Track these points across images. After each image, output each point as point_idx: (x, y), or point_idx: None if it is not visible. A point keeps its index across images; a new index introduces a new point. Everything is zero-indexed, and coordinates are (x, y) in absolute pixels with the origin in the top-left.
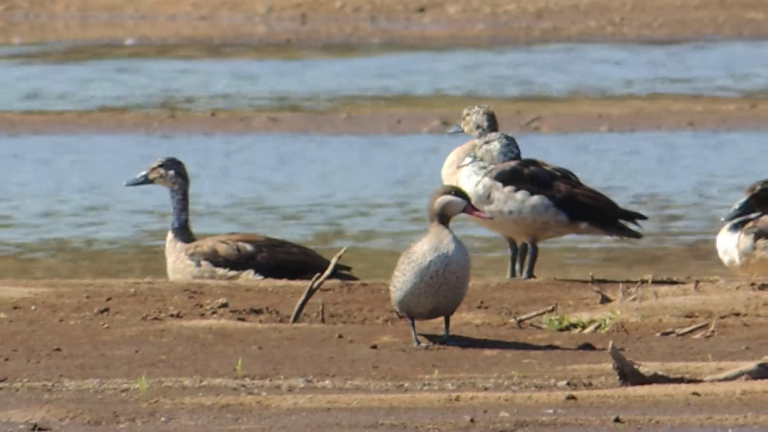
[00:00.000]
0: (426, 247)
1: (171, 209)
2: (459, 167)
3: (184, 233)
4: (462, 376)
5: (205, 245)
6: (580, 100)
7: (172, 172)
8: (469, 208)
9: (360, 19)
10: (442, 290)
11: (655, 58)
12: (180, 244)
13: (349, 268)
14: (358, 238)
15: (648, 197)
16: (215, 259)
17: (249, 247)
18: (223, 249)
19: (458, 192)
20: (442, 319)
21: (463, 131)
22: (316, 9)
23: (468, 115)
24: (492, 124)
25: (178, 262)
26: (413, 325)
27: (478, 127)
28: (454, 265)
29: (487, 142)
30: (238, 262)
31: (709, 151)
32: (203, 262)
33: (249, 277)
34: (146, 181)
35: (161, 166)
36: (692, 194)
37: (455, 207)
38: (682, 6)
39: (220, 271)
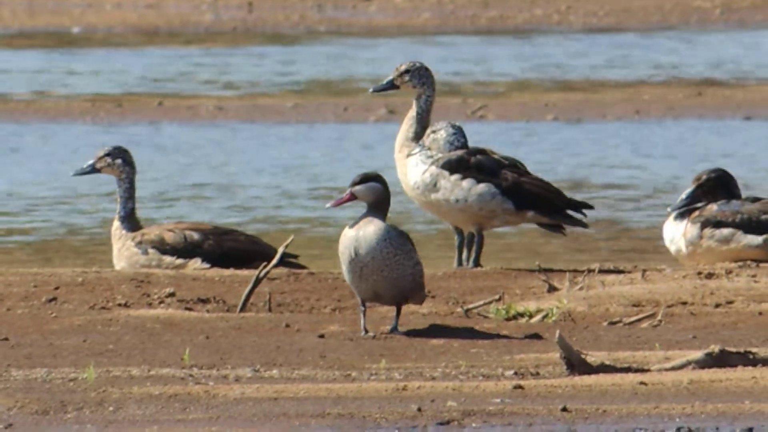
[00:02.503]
0: (343, 235)
1: (117, 196)
2: (408, 156)
3: (131, 221)
4: (409, 365)
5: (152, 233)
6: (526, 88)
7: (119, 161)
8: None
9: (306, 8)
10: (365, 274)
11: (601, 45)
12: (126, 232)
13: (296, 257)
14: (305, 226)
15: (594, 186)
16: (162, 247)
17: (196, 236)
18: (170, 237)
19: (361, 180)
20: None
21: (398, 88)
22: None
23: (408, 71)
24: (430, 78)
25: (124, 250)
26: (364, 313)
27: (422, 81)
28: (366, 247)
29: (434, 131)
30: (185, 250)
31: (654, 139)
32: (150, 250)
33: (196, 265)
34: (93, 170)
35: (108, 155)
36: (639, 182)
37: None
38: None
39: (167, 259)
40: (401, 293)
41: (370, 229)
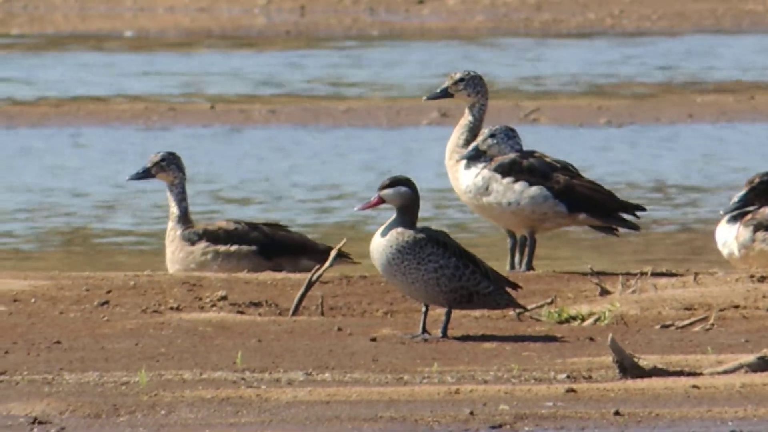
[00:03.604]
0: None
1: (170, 201)
2: (459, 160)
3: (185, 222)
4: (461, 368)
5: (203, 224)
6: (579, 91)
7: (173, 167)
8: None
9: (359, 11)
10: (386, 277)
11: (654, 49)
12: (179, 232)
13: (348, 255)
14: (358, 229)
15: (647, 188)
16: (215, 236)
17: (248, 226)
18: (223, 225)
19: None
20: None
21: (452, 96)
22: (315, 1)
23: (462, 80)
24: (484, 87)
25: (178, 252)
26: (425, 313)
27: (476, 91)
28: (375, 255)
29: (492, 135)
30: (238, 236)
31: (707, 142)
32: (204, 241)
33: (247, 250)
34: (148, 175)
35: (163, 160)
36: (691, 185)
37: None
38: None
39: (222, 248)
40: (430, 297)
41: (379, 238)
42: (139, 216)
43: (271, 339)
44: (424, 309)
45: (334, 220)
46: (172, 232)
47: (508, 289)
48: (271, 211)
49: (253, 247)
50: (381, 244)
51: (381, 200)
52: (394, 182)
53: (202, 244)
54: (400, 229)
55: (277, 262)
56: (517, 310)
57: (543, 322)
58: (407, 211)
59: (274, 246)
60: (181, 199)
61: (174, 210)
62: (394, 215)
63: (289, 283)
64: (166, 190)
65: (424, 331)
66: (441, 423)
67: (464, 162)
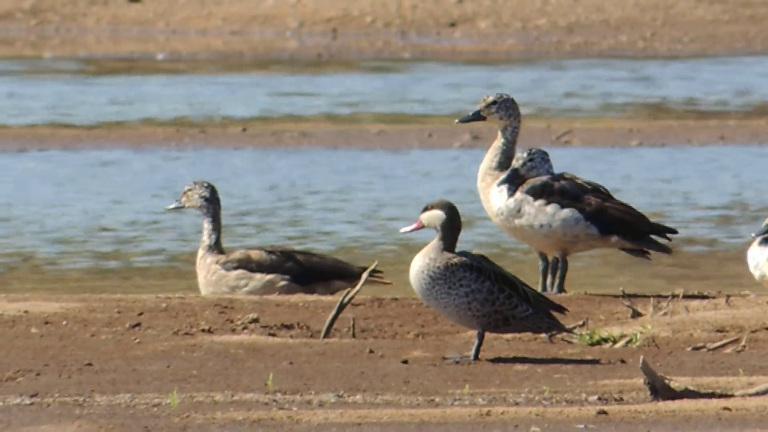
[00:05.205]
0: None
1: (203, 228)
2: (500, 185)
3: (216, 249)
4: (493, 391)
5: (238, 253)
6: (611, 114)
7: (203, 198)
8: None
9: (390, 34)
10: (424, 301)
11: (685, 71)
12: (211, 258)
13: (380, 272)
14: (391, 252)
15: (680, 211)
16: (249, 264)
17: (282, 255)
18: (256, 255)
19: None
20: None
21: (484, 119)
22: (346, 24)
23: (495, 102)
24: (516, 110)
25: (210, 275)
26: (481, 336)
27: (509, 113)
28: (411, 277)
29: (531, 159)
30: (272, 266)
31: (741, 165)
32: (238, 270)
33: (283, 283)
34: (181, 206)
35: (193, 190)
36: (723, 208)
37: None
38: (714, 21)
39: (257, 275)
40: (463, 321)
41: (414, 261)
42: (168, 238)
43: (302, 361)
44: (479, 332)
45: (368, 242)
46: (202, 260)
47: (555, 313)
48: (304, 236)
49: (287, 277)
50: (415, 268)
51: (421, 223)
52: (431, 206)
53: (238, 272)
54: (433, 255)
55: (310, 287)
56: (550, 333)
57: (574, 345)
58: (444, 235)
59: (308, 274)
60: (214, 228)
61: (205, 239)
62: (434, 238)
63: (320, 306)
64: (202, 217)
65: (476, 356)
66: None
67: (496, 184)
